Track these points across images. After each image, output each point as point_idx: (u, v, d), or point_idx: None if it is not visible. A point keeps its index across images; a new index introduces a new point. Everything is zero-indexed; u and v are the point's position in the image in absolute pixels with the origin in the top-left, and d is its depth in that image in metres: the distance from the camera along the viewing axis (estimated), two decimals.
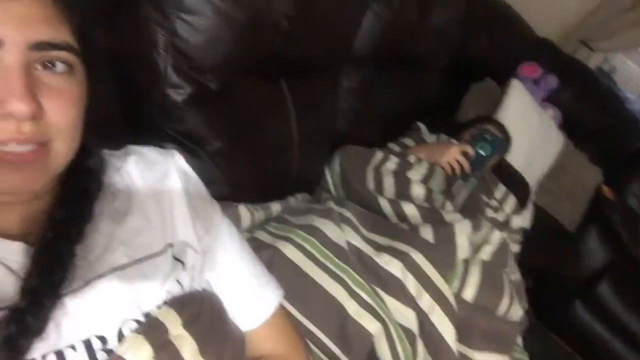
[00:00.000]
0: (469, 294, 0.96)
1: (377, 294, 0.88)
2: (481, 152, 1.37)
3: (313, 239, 0.90)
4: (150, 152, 0.59)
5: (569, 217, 1.95)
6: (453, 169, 1.32)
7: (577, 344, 1.78)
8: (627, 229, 1.97)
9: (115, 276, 0.48)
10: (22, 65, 0.40)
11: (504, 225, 1.29)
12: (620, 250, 1.94)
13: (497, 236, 1.09)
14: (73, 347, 0.45)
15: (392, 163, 1.24)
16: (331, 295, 0.84)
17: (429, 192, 1.19)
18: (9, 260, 0.44)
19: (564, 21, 2.33)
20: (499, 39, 1.89)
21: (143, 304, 0.49)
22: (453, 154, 1.32)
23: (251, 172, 1.07)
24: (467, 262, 1.01)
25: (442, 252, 0.96)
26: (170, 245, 0.54)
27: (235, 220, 0.96)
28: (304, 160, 1.20)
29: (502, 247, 1.09)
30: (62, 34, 0.43)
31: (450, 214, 1.11)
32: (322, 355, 0.81)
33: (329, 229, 0.93)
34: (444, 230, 1.00)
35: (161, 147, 0.61)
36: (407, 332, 0.87)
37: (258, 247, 0.83)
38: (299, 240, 0.89)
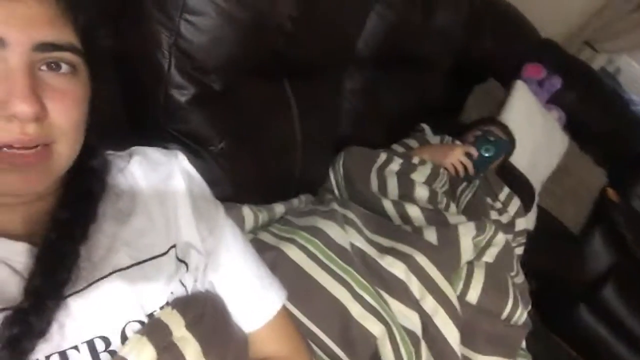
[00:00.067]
0: (473, 296, 0.96)
1: (380, 296, 0.87)
2: (485, 153, 1.36)
3: (316, 241, 0.90)
4: (154, 153, 0.59)
5: (573, 220, 1.94)
6: (457, 171, 1.32)
7: (581, 348, 1.77)
8: (632, 231, 1.96)
9: (119, 277, 0.48)
10: (26, 66, 0.40)
11: (508, 228, 1.28)
12: (625, 252, 1.93)
13: (501, 238, 1.08)
14: (76, 348, 0.45)
15: (395, 164, 1.24)
16: (334, 297, 0.84)
17: (433, 193, 1.19)
18: (13, 260, 0.44)
19: (568, 22, 2.32)
20: (503, 40, 1.88)
21: (146, 305, 0.49)
22: (457, 156, 1.31)
23: (254, 173, 1.07)
24: (471, 265, 1.00)
25: (445, 255, 0.96)
26: (174, 247, 0.54)
27: (239, 222, 0.95)
28: (308, 161, 1.20)
29: (506, 250, 1.09)
30: (65, 34, 0.43)
31: (454, 216, 1.10)
32: (325, 358, 0.81)
33: (333, 230, 0.92)
34: (448, 233, 1.00)
35: (165, 147, 0.61)
36: (410, 334, 0.86)
37: (261, 248, 0.82)
38: (303, 242, 0.89)
